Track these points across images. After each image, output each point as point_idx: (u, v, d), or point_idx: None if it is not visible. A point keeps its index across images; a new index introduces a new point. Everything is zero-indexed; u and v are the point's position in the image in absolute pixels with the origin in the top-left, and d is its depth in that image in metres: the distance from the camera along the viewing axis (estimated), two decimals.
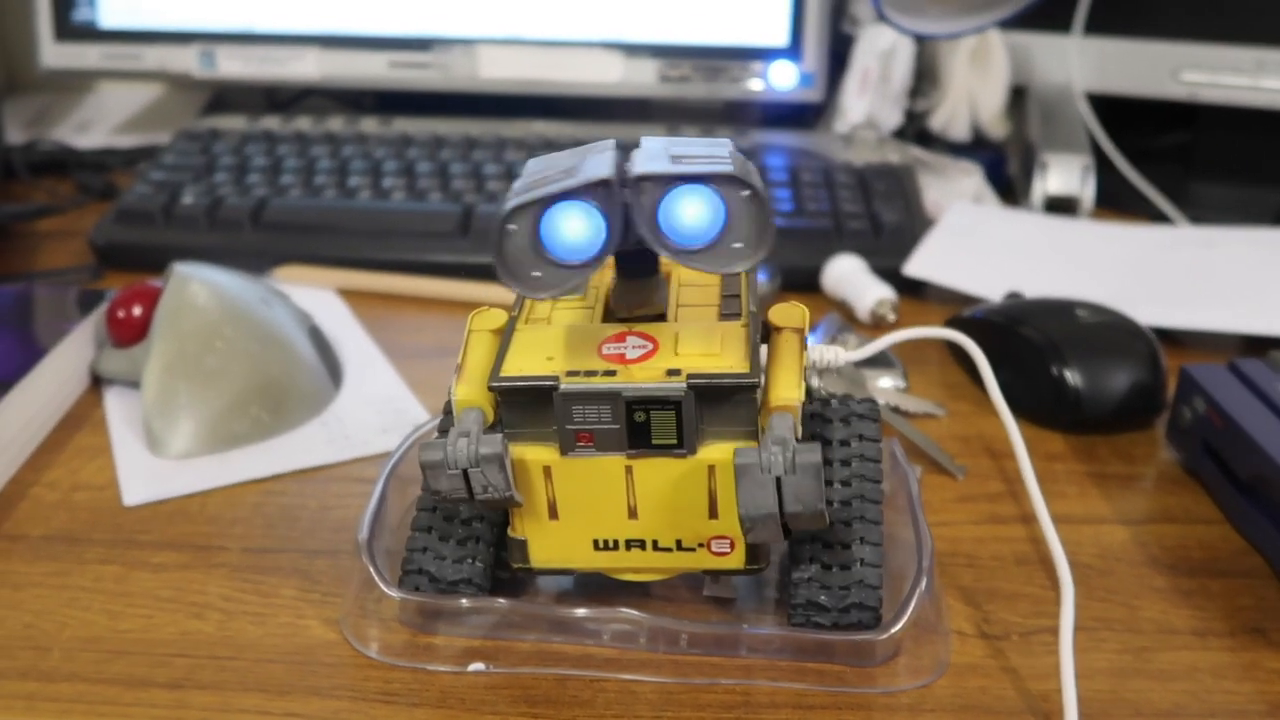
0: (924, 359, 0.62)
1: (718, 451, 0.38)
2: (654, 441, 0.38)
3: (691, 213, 0.36)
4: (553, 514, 0.40)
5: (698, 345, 0.38)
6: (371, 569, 0.43)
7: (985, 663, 0.42)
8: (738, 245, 0.36)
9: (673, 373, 0.37)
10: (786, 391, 0.38)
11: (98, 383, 0.59)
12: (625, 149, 0.38)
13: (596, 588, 0.44)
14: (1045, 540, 0.44)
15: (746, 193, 0.35)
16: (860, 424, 0.45)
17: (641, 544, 0.40)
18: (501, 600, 0.42)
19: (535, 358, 0.39)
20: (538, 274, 0.36)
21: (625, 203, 0.36)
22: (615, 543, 0.40)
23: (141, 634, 0.43)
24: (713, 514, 0.39)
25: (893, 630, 0.40)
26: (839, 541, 0.42)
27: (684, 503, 0.39)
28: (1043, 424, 0.56)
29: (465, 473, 0.37)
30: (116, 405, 0.57)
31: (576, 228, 0.36)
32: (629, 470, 0.39)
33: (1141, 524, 0.50)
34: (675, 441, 0.38)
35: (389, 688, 0.41)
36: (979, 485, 0.52)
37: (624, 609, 0.42)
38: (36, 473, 0.52)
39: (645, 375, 0.37)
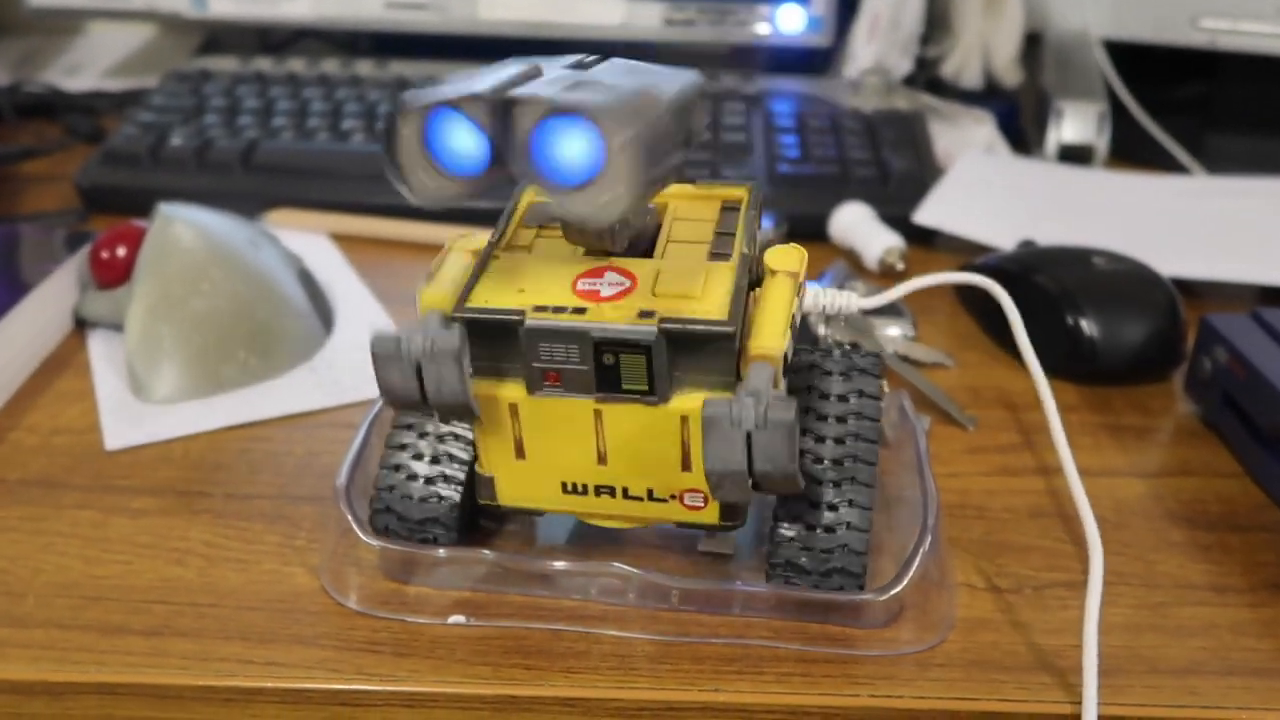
0: (933, 308, 0.60)
1: (691, 401, 0.35)
2: (624, 386, 0.35)
3: (564, 147, 0.32)
4: (520, 453, 0.38)
5: (677, 286, 0.36)
6: (350, 516, 0.41)
7: (996, 617, 0.40)
8: (614, 192, 0.32)
9: (645, 314, 0.35)
10: (769, 340, 0.35)
11: (82, 326, 0.57)
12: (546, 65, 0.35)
13: (589, 543, 0.43)
14: (1065, 494, 0.42)
15: (627, 135, 0.31)
16: (861, 379, 0.42)
17: (611, 491, 0.38)
18: (485, 552, 0.40)
19: (506, 289, 0.36)
20: (425, 180, 0.34)
21: (507, 124, 0.33)
22: (584, 487, 0.38)
23: (119, 580, 0.41)
24: (685, 466, 0.37)
25: (894, 591, 0.39)
26: (826, 502, 0.39)
27: (655, 452, 0.37)
28: (1057, 374, 0.54)
29: (419, 369, 0.35)
30: (100, 348, 0.55)
31: (460, 140, 0.34)
32: (598, 414, 0.36)
33: (1158, 477, 0.48)
34: (646, 388, 0.35)
35: (375, 637, 0.39)
36: (990, 436, 0.51)
37: (613, 563, 0.40)
38: (15, 417, 0.50)
39: (617, 315, 0.35)
